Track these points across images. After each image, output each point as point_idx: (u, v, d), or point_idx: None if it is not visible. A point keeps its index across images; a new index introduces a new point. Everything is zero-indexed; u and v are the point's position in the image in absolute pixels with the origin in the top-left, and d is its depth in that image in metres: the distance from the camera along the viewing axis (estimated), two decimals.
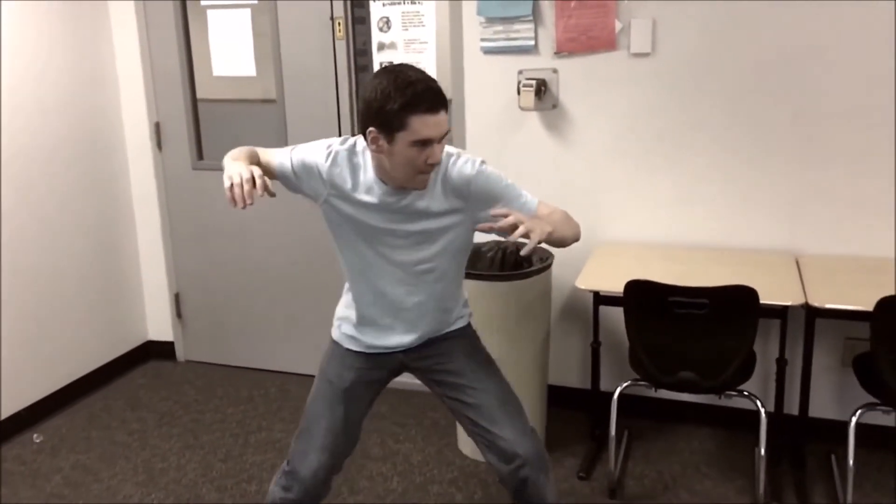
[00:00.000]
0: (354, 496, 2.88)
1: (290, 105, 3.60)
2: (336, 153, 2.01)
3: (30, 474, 3.10)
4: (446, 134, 1.89)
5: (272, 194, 1.82)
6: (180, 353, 4.15)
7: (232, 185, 1.78)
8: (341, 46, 3.44)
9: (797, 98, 2.89)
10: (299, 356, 3.82)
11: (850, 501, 2.60)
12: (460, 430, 3.10)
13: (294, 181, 2.06)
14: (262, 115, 3.70)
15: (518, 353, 2.93)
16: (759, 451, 2.64)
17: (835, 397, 3.07)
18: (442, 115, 1.85)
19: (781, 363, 2.81)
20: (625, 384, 2.78)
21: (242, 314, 3.95)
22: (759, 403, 2.63)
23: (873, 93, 2.81)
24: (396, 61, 3.37)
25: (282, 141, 3.56)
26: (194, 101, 3.80)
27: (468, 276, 2.88)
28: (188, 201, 3.89)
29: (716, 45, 2.93)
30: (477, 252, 3.08)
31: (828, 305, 2.52)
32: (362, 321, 2.15)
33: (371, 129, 1.86)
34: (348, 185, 2.00)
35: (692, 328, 2.50)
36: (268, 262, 3.82)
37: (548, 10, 3.07)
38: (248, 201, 1.76)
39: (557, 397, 3.30)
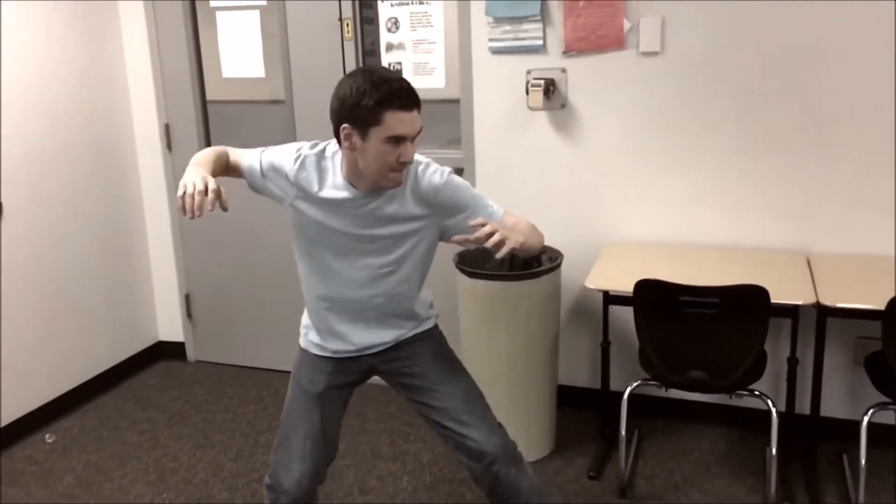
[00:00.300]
0: (365, 496, 2.88)
1: (299, 106, 3.61)
2: (304, 157, 2.04)
3: (42, 474, 3.12)
4: (418, 133, 1.91)
5: (224, 208, 1.83)
6: (191, 354, 4.16)
7: (184, 193, 1.80)
8: (350, 47, 3.45)
9: (807, 97, 2.88)
10: None
11: (862, 501, 2.59)
12: None
13: (261, 181, 2.09)
14: (271, 117, 3.71)
15: (528, 353, 2.93)
16: (771, 451, 2.63)
17: (846, 397, 3.06)
18: (415, 114, 1.88)
19: (792, 362, 2.80)
20: (635, 384, 2.78)
21: (253, 314, 3.97)
22: (770, 403, 2.62)
23: (884, 91, 2.79)
24: (405, 62, 3.38)
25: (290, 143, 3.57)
26: (204, 102, 3.82)
27: (478, 275, 2.89)
28: None
29: (725, 43, 2.92)
30: (487, 252, 3.07)
31: (839, 305, 2.51)
32: (325, 327, 2.17)
33: (345, 125, 1.88)
34: (314, 187, 2.02)
35: (702, 328, 2.49)
36: (278, 263, 3.82)
37: (556, 10, 3.07)
38: (198, 213, 1.78)
39: (567, 397, 3.30)
